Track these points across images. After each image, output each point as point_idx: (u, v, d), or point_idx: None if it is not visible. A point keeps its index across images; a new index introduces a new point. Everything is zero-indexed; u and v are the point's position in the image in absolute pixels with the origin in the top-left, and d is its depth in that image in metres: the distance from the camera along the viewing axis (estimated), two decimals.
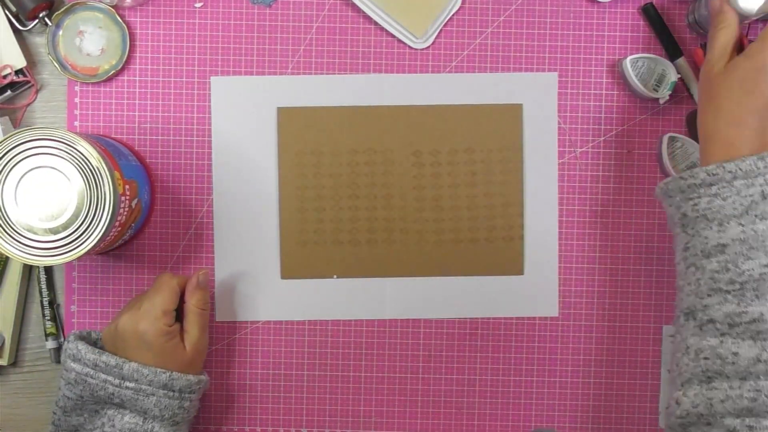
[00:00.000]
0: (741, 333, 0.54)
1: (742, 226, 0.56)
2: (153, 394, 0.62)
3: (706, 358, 0.55)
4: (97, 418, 0.63)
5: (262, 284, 0.73)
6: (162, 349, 0.63)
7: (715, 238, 0.57)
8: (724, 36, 0.62)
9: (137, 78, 0.72)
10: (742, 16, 0.64)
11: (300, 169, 0.73)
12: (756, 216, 0.55)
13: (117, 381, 0.62)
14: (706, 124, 0.60)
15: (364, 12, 0.72)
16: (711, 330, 0.56)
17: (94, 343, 0.67)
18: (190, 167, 0.73)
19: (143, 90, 0.72)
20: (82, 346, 0.63)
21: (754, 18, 0.64)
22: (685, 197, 0.59)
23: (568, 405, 0.74)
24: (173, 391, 0.63)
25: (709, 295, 0.57)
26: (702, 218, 0.57)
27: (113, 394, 0.62)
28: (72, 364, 0.63)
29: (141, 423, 0.63)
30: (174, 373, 0.63)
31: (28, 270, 0.73)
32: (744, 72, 0.59)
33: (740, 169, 0.56)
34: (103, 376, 0.62)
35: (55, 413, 0.64)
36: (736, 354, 0.54)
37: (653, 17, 0.72)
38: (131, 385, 0.62)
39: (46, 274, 0.72)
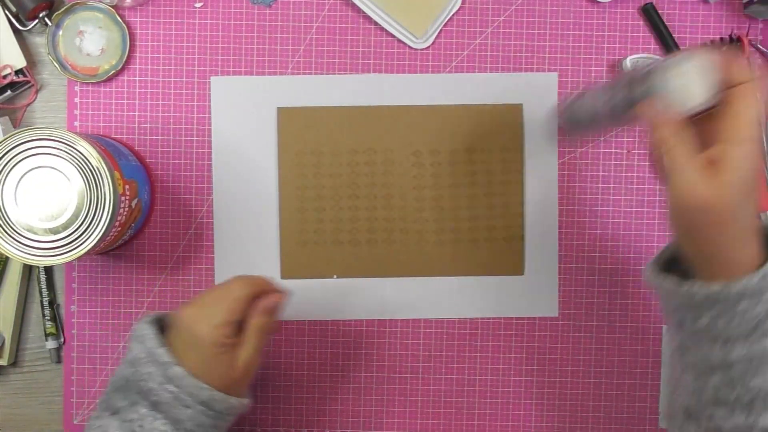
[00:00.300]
0: None
1: (749, 345, 0.50)
2: (190, 407, 0.58)
3: None
4: (132, 410, 0.59)
5: None
6: (213, 358, 0.59)
7: (718, 356, 0.51)
8: (682, 154, 0.50)
9: (137, 78, 0.72)
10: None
11: (300, 169, 0.73)
12: (762, 334, 0.50)
13: (160, 379, 0.58)
14: (707, 247, 0.51)
15: (364, 12, 0.72)
16: None
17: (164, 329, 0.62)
18: (190, 167, 0.73)
19: (143, 90, 0.72)
20: (149, 331, 0.59)
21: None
22: (681, 305, 0.53)
23: (568, 405, 0.74)
24: (212, 410, 0.59)
25: (714, 405, 0.52)
26: (704, 335, 0.52)
27: (152, 390, 0.58)
28: (133, 344, 0.60)
29: None
30: (217, 393, 0.58)
31: (28, 270, 0.73)
32: (742, 186, 0.49)
33: (748, 289, 0.49)
34: (152, 368, 0.58)
35: (106, 387, 0.61)
36: None
37: (653, 17, 0.72)
38: (172, 389, 0.58)
39: (46, 274, 0.72)
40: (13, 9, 0.70)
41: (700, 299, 0.51)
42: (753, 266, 0.50)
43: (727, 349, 0.51)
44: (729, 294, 0.50)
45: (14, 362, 0.73)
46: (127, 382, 0.59)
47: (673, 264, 0.56)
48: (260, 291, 0.62)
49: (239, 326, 0.61)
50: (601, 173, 0.73)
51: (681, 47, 0.72)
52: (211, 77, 0.72)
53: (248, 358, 0.61)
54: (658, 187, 0.73)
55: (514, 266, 0.73)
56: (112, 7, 0.71)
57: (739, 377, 0.51)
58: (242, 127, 0.73)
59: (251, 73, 0.73)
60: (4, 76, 0.70)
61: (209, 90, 0.72)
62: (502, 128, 0.73)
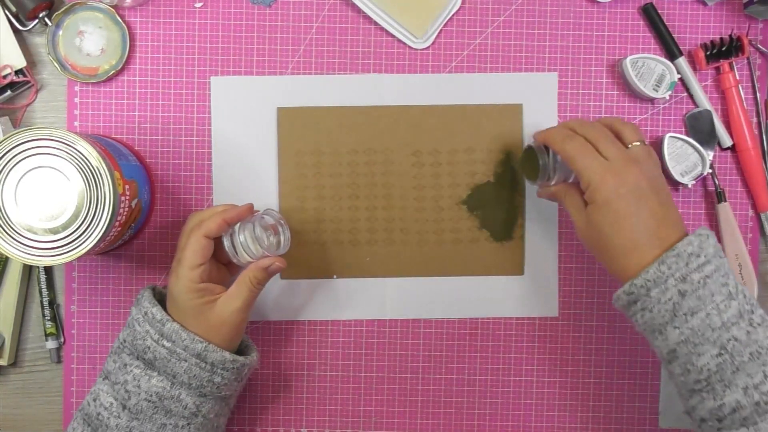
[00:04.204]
0: (731, 425, 0.55)
1: (678, 328, 0.56)
2: (185, 360, 0.61)
3: None
4: (123, 372, 0.62)
5: None
6: (188, 306, 0.62)
7: (664, 346, 0.58)
8: (571, 203, 0.64)
9: (137, 78, 0.72)
10: None
11: (300, 169, 0.73)
12: (685, 314, 0.56)
13: (156, 336, 0.61)
14: (605, 256, 0.61)
15: (364, 12, 0.72)
16: (708, 427, 0.56)
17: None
18: (190, 167, 0.73)
19: (143, 90, 0.72)
20: (147, 294, 0.64)
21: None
22: (627, 315, 0.61)
23: (568, 405, 0.74)
24: (205, 362, 0.62)
25: (689, 397, 0.58)
26: (646, 331, 0.59)
27: (149, 347, 0.61)
28: (132, 308, 0.64)
29: (168, 388, 0.61)
30: (210, 345, 0.62)
31: (28, 270, 0.73)
32: (605, 219, 0.60)
33: (648, 280, 0.57)
34: (147, 327, 0.62)
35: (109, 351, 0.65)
36: None
37: (653, 17, 0.72)
38: (168, 344, 0.61)
39: (46, 274, 0.72)
40: (13, 9, 0.70)
41: (624, 302, 0.59)
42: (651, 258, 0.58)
43: (665, 338, 0.57)
44: (638, 289, 0.57)
45: (14, 362, 0.73)
46: (122, 344, 0.63)
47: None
48: (216, 225, 0.63)
49: (222, 273, 0.67)
50: None
51: (681, 47, 0.72)
52: (211, 77, 0.72)
53: (232, 308, 0.63)
54: None
55: (514, 266, 0.73)
56: (112, 7, 0.71)
57: (687, 360, 0.56)
58: (242, 127, 0.73)
59: (251, 73, 0.73)
60: (4, 76, 0.70)
61: (209, 90, 0.72)
62: (502, 128, 0.73)
